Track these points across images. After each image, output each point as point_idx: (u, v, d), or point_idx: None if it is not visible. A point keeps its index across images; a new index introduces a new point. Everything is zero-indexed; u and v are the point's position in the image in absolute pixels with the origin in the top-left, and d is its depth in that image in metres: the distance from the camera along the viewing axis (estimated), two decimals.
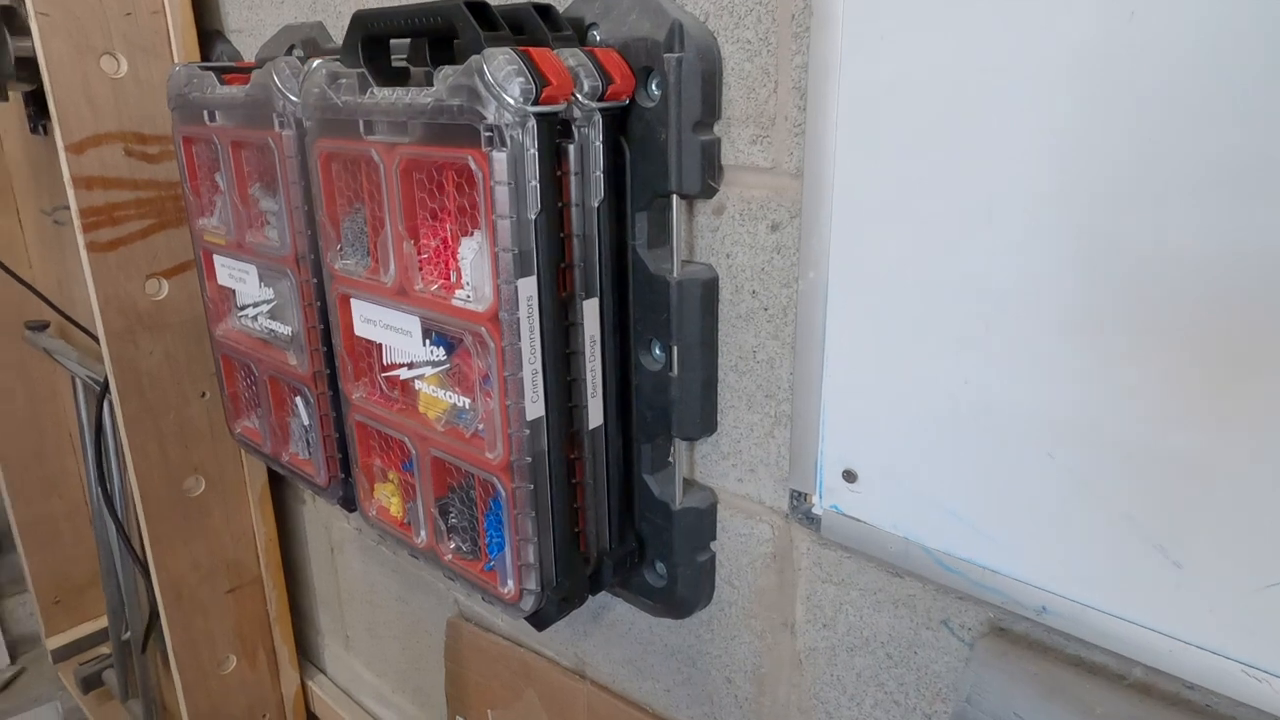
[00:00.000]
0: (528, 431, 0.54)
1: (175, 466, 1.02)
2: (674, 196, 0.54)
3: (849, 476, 0.52)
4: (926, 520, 0.49)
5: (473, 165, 0.49)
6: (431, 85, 0.51)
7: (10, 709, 1.71)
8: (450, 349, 0.59)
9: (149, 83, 0.90)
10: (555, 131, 0.51)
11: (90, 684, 1.60)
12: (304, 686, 1.25)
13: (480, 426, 0.57)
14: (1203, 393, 0.38)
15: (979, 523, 0.47)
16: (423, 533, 0.65)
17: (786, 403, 0.55)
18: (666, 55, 0.51)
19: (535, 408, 0.54)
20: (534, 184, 0.49)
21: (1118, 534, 0.42)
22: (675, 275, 0.56)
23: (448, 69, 0.50)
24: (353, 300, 0.63)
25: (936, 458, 0.48)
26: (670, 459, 0.61)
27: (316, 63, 0.60)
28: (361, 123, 0.56)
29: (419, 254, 0.57)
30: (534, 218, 0.50)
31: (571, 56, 0.51)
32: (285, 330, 0.75)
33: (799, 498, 0.56)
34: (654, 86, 0.53)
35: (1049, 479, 0.43)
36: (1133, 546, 0.41)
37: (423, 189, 0.56)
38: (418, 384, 0.62)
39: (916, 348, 0.47)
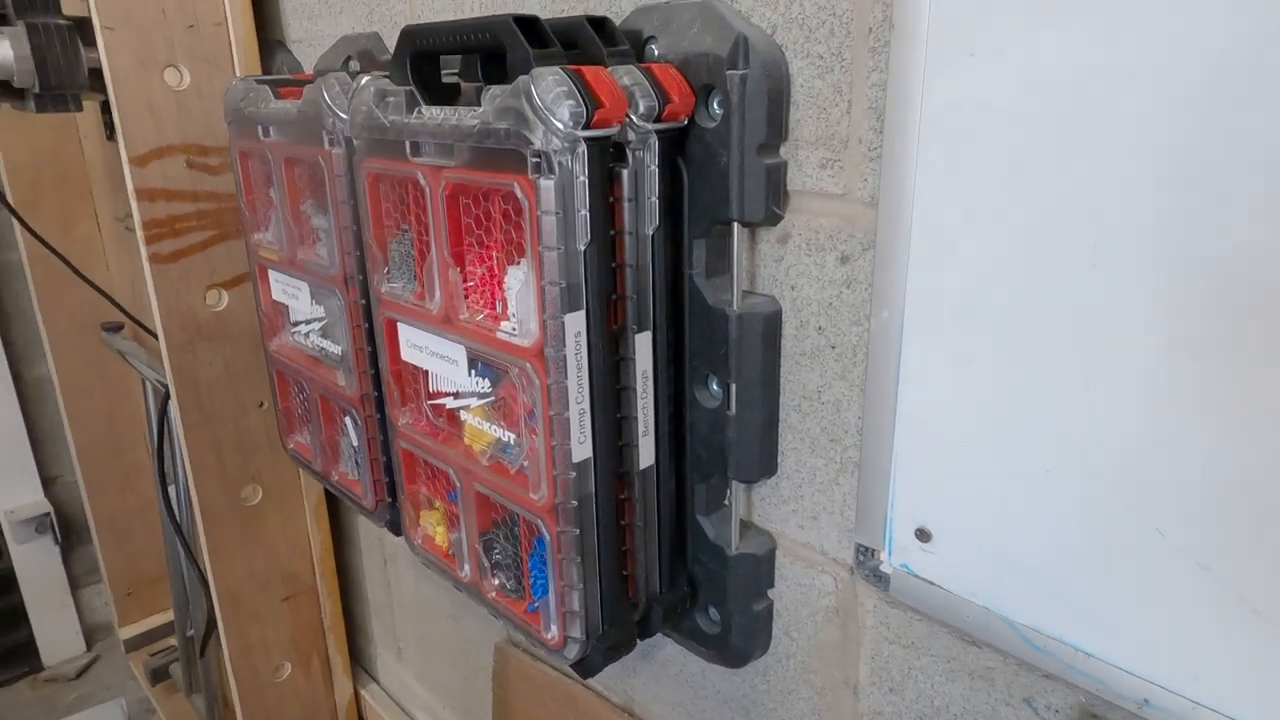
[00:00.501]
0: (574, 474, 0.51)
1: (233, 476, 1.03)
2: (735, 224, 0.50)
3: (922, 535, 0.47)
4: (1011, 590, 0.44)
5: (519, 193, 0.46)
6: (480, 105, 0.48)
7: (85, 695, 1.78)
8: (496, 380, 0.56)
9: (211, 94, 0.90)
10: (608, 156, 0.47)
11: (158, 676, 1.65)
12: (357, 695, 1.25)
13: (525, 464, 0.54)
14: None
15: (1074, 599, 0.41)
16: (466, 566, 0.63)
17: (854, 449, 0.51)
18: (729, 72, 0.47)
19: (582, 449, 0.50)
20: (584, 213, 0.46)
21: (1240, 624, 0.36)
22: (735, 308, 0.52)
23: (496, 89, 0.47)
24: (399, 325, 0.61)
25: (1025, 523, 0.42)
26: (726, 501, 0.57)
27: (365, 79, 0.58)
28: (408, 144, 0.54)
29: (465, 281, 0.54)
30: (583, 249, 0.47)
31: (627, 74, 0.47)
32: (335, 349, 0.73)
33: (865, 553, 0.51)
34: (715, 105, 0.49)
35: (1158, 557, 0.38)
36: (1256, 639, 0.36)
37: (469, 214, 0.53)
38: (463, 414, 0.59)
39: (1006, 400, 0.42)
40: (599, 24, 0.51)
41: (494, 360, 0.54)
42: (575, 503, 0.51)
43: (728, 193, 0.49)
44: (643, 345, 0.52)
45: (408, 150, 0.54)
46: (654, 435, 0.55)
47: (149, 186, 0.89)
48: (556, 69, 0.44)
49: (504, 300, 0.53)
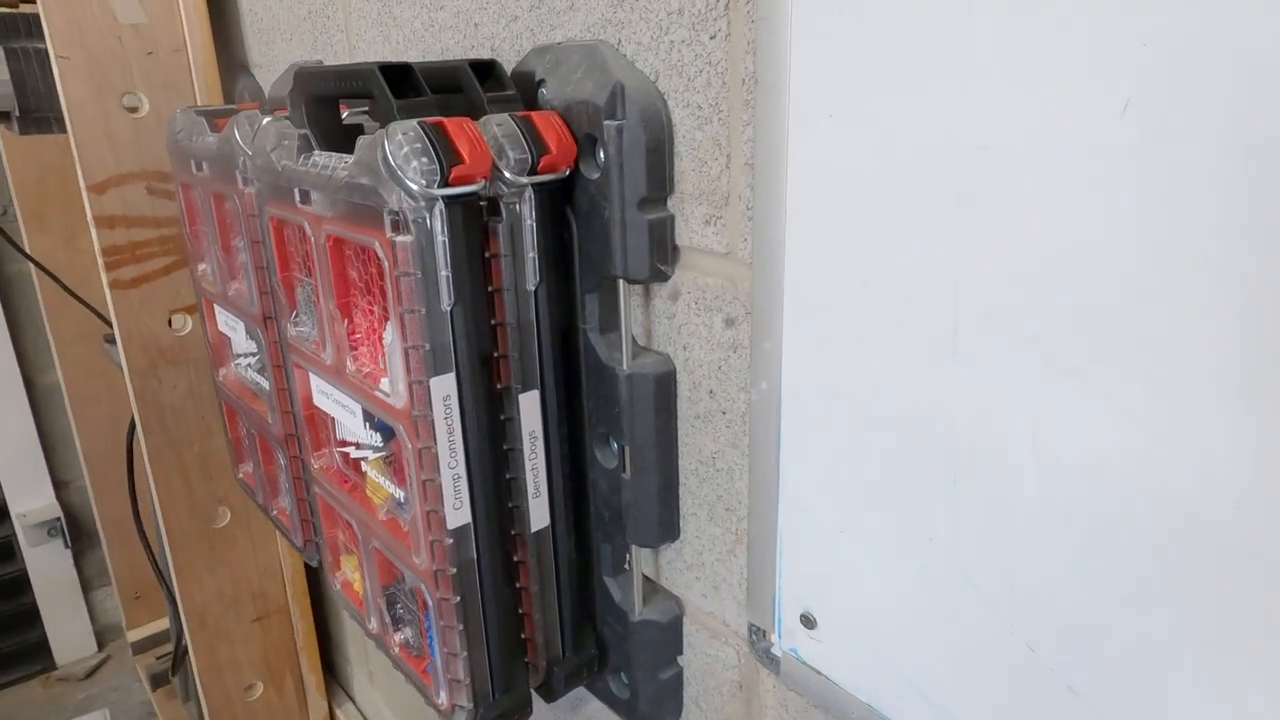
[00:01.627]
0: (450, 540, 0.48)
1: (200, 498, 1.03)
2: (620, 280, 0.47)
3: (807, 621, 0.44)
4: (891, 691, 0.40)
5: (379, 251, 0.44)
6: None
7: (93, 696, 1.81)
8: (389, 435, 0.54)
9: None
10: (478, 211, 0.45)
11: (158, 681, 1.67)
12: (332, 714, 1.25)
13: (409, 526, 0.52)
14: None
15: (948, 707, 0.38)
16: (373, 619, 0.61)
17: (746, 521, 0.48)
18: (607, 122, 0.44)
19: (459, 515, 0.48)
20: (445, 274, 0.44)
21: None
22: (625, 367, 0.49)
23: (362, 139, 0.45)
24: (308, 370, 0.59)
25: (900, 622, 0.39)
26: (627, 565, 0.55)
27: (267, 120, 0.57)
28: (297, 191, 0.52)
29: (352, 334, 0.52)
30: (448, 310, 0.44)
31: (499, 124, 0.45)
32: (267, 386, 0.72)
33: (757, 633, 0.48)
34: (600, 155, 0.46)
35: (1028, 674, 0.34)
36: None
37: (352, 266, 0.51)
38: (364, 465, 0.58)
39: (876, 490, 0.38)
40: (485, 68, 0.49)
41: (380, 416, 0.52)
42: (454, 569, 0.49)
43: (611, 248, 0.46)
44: (529, 405, 0.50)
45: (297, 197, 0.52)
46: (547, 496, 0.52)
47: (108, 214, 0.89)
48: (412, 123, 0.42)
49: (385, 356, 0.50)
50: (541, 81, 0.49)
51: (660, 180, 0.45)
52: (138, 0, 0.86)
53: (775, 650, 0.47)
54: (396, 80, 0.46)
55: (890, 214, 0.34)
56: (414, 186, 0.41)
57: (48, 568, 1.82)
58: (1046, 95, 0.28)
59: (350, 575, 0.66)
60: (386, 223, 0.43)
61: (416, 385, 0.45)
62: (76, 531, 1.84)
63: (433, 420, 0.46)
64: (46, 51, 1.02)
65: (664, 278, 0.47)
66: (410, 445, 0.47)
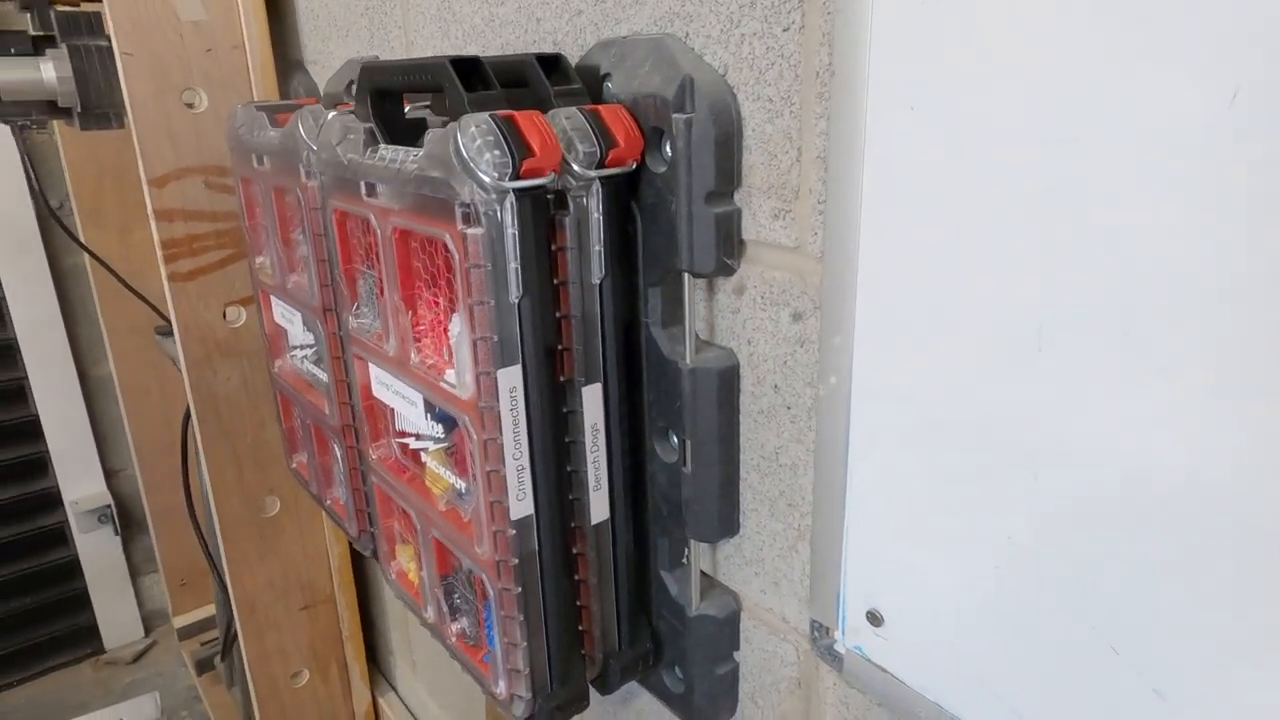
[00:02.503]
0: (514, 531, 0.49)
1: (251, 488, 1.05)
2: (685, 274, 0.47)
3: (874, 619, 0.44)
4: (963, 693, 0.40)
5: (450, 244, 0.44)
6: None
7: (139, 680, 1.86)
8: (450, 426, 0.55)
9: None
10: (545, 205, 0.45)
11: (204, 666, 1.71)
12: (375, 703, 1.27)
13: (472, 516, 0.52)
14: None
15: (1024, 709, 0.37)
16: (430, 608, 0.62)
17: (809, 516, 0.47)
18: (675, 116, 0.44)
19: (522, 506, 0.48)
20: (514, 266, 0.44)
21: None
22: (688, 362, 0.49)
23: (431, 133, 0.45)
24: (368, 361, 0.60)
25: (975, 623, 0.38)
26: (685, 559, 0.55)
27: (332, 115, 0.57)
28: (363, 184, 0.53)
29: (416, 325, 0.53)
30: (516, 302, 0.45)
31: (568, 118, 0.45)
32: (324, 377, 0.73)
33: (820, 629, 0.48)
34: (667, 149, 0.46)
35: (1111, 676, 0.34)
36: None
37: (418, 258, 0.52)
38: (424, 456, 0.58)
39: (951, 487, 0.38)
40: (551, 62, 0.49)
41: (444, 407, 0.52)
42: (516, 560, 0.49)
43: (677, 242, 0.46)
44: (592, 398, 0.50)
45: (363, 190, 0.53)
46: (608, 489, 0.52)
47: (167, 207, 0.91)
48: (485, 116, 0.42)
49: (450, 348, 0.51)
50: (607, 75, 0.49)
51: (728, 174, 0.45)
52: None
53: (838, 647, 0.46)
54: (465, 74, 0.46)
55: (974, 208, 0.34)
56: (486, 179, 0.42)
57: (98, 554, 1.86)
58: (1146, 84, 0.28)
59: (406, 565, 0.67)
60: (458, 215, 0.43)
61: (484, 376, 0.45)
62: (126, 519, 1.89)
63: (499, 412, 0.46)
64: (106, 49, 1.05)
65: (729, 271, 0.47)
66: (475, 436, 0.47)
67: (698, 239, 0.46)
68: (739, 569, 0.54)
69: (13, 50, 1.07)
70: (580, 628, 0.55)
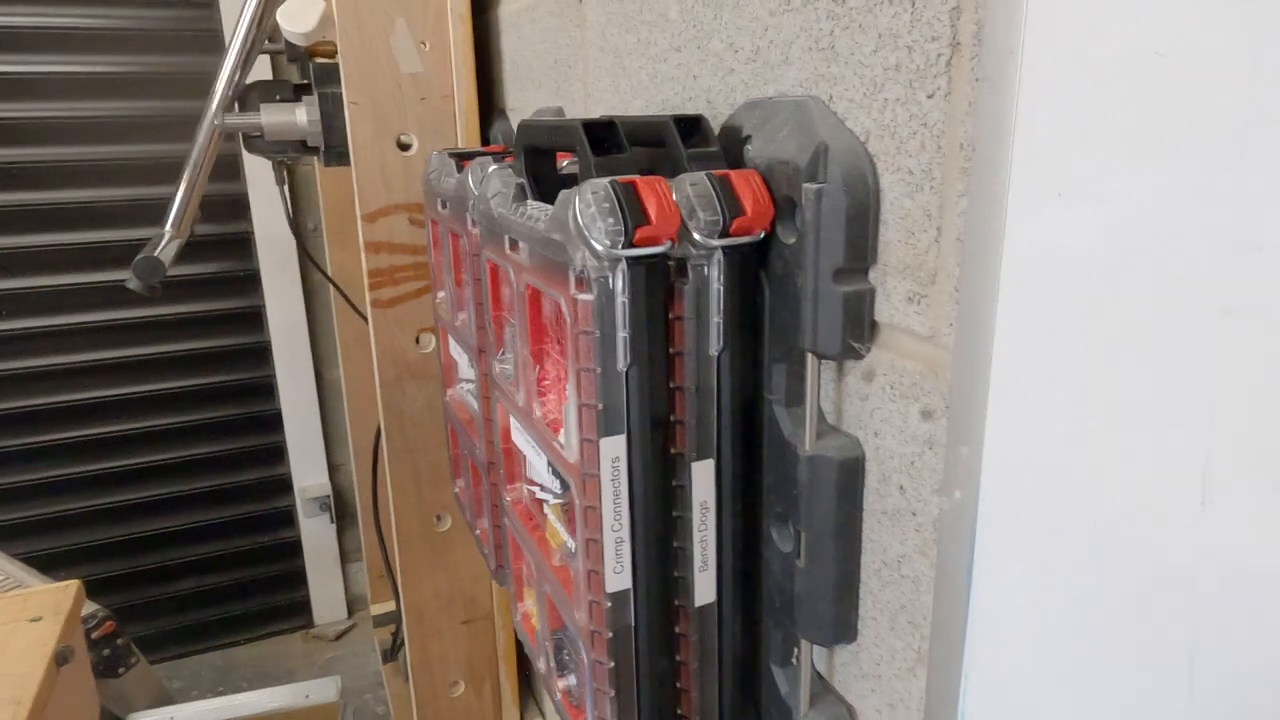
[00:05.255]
0: (609, 604, 0.47)
1: (427, 503, 1.12)
2: (809, 354, 0.44)
3: None
4: None
5: (564, 307, 0.44)
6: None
7: (337, 657, 2.04)
8: (566, 484, 0.54)
9: None
10: (662, 273, 0.43)
11: (387, 656, 1.85)
12: None
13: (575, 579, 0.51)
14: None
15: None
16: (541, 659, 0.61)
17: (929, 640, 0.41)
18: (806, 185, 0.41)
19: (619, 579, 0.47)
20: (624, 335, 0.43)
21: None
22: (807, 448, 0.45)
23: (562, 195, 0.45)
24: (507, 406, 0.62)
25: None
26: (794, 659, 0.50)
27: (493, 168, 0.60)
28: (506, 238, 0.54)
29: (541, 380, 0.53)
30: (624, 370, 0.43)
31: (693, 184, 0.43)
32: (479, 413, 0.76)
33: None
34: (797, 220, 0.43)
35: None
36: None
37: (546, 315, 0.52)
38: (546, 508, 0.58)
39: (1095, 643, 0.31)
40: (691, 123, 0.48)
41: (555, 464, 0.52)
42: (610, 634, 0.48)
43: (800, 319, 0.43)
44: (703, 474, 0.47)
45: (507, 245, 0.54)
46: (715, 571, 0.49)
47: (375, 240, 0.99)
48: (603, 182, 0.42)
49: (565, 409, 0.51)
50: (748, 138, 0.47)
51: (861, 250, 0.41)
52: (417, 53, 0.96)
53: None
54: (600, 136, 0.46)
55: (1129, 318, 0.28)
56: (598, 247, 0.41)
57: (316, 537, 2.08)
58: None
59: (530, 608, 0.67)
60: (571, 280, 0.43)
61: (587, 443, 0.44)
62: (341, 509, 2.09)
63: (600, 480, 0.45)
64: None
65: (857, 356, 0.43)
66: (578, 501, 0.46)
67: (822, 318, 0.42)
68: (855, 681, 0.49)
69: (278, 97, 1.24)
70: (679, 711, 0.52)
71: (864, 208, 0.41)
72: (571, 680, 0.59)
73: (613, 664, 0.48)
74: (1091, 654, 0.32)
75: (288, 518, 2.06)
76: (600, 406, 0.44)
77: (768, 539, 0.50)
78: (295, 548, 2.08)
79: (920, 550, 0.41)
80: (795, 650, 0.50)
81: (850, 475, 0.44)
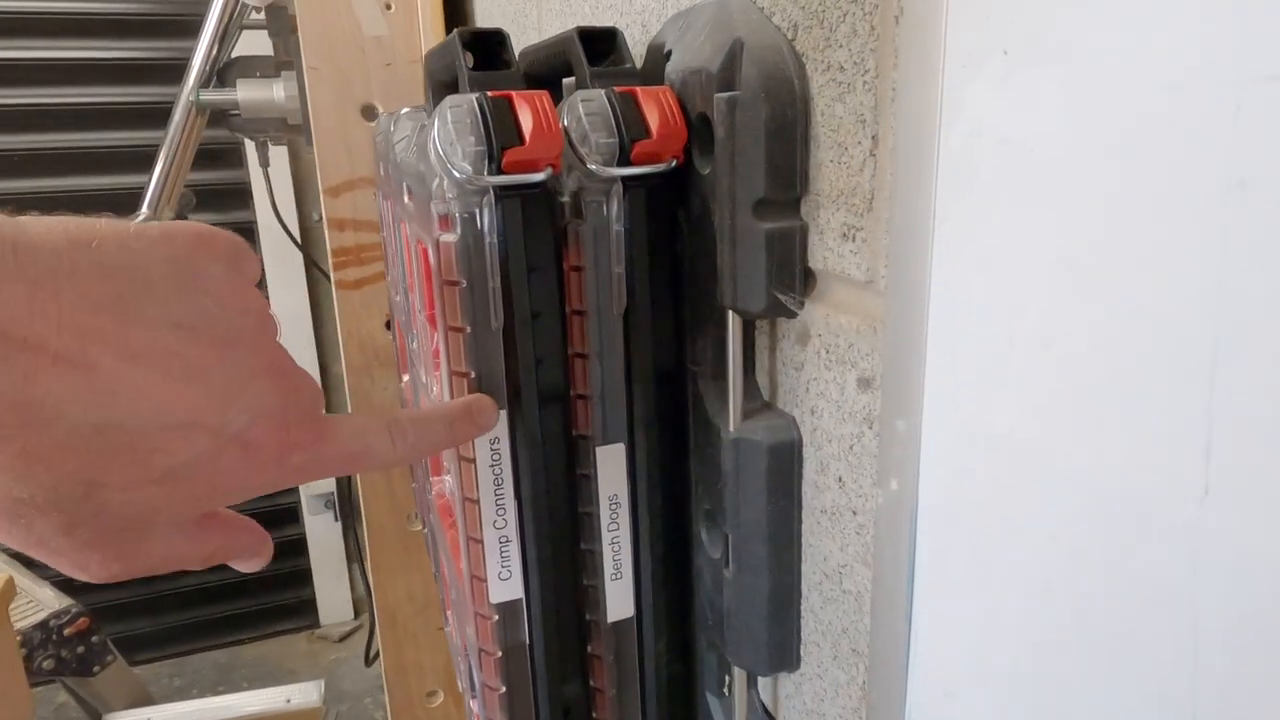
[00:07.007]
0: (496, 617, 0.39)
1: (400, 499, 1.05)
2: (730, 312, 0.35)
3: None
4: None
5: (430, 254, 0.36)
6: None
7: (340, 659, 1.99)
8: None
9: None
10: (545, 208, 0.35)
11: (368, 660, 1.79)
12: None
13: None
14: None
15: None
16: (461, 676, 0.53)
17: (867, 673, 0.33)
18: (718, 96, 0.32)
19: (506, 587, 0.39)
20: (494, 284, 0.34)
21: None
22: (730, 429, 0.36)
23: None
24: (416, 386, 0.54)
25: None
26: (725, 689, 0.41)
27: (404, 110, 0.52)
28: (404, 185, 0.47)
29: (437, 352, 0.46)
30: (499, 329, 0.35)
31: (586, 101, 0.35)
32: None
33: None
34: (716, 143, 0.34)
35: None
36: None
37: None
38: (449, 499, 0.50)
39: (1067, 682, 0.22)
40: (604, 37, 0.40)
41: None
42: (499, 653, 0.40)
43: (718, 268, 0.34)
44: (610, 461, 0.39)
45: (405, 194, 0.47)
46: (632, 580, 0.41)
47: (339, 216, 0.93)
48: (469, 97, 0.33)
49: None
50: (669, 54, 0.39)
51: (786, 175, 0.32)
52: (381, 15, 0.89)
53: None
54: (489, 54, 0.38)
55: (1101, 223, 0.19)
56: (457, 174, 0.33)
57: (321, 536, 2.04)
58: None
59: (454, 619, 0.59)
60: (434, 218, 0.35)
61: None
62: (346, 508, 2.04)
63: (475, 466, 0.37)
64: None
65: (788, 313, 0.34)
66: (456, 493, 0.38)
67: (742, 265, 0.33)
68: (799, 716, 0.40)
69: (258, 73, 1.18)
70: None
71: (788, 119, 0.32)
72: (475, 705, 0.51)
73: (503, 689, 0.40)
74: (1070, 690, 0.23)
75: (293, 514, 2.02)
76: (472, 374, 0.36)
77: (698, 543, 0.41)
78: (300, 545, 2.03)
79: (862, 559, 0.33)
80: (727, 678, 0.41)
81: (783, 463, 0.36)
